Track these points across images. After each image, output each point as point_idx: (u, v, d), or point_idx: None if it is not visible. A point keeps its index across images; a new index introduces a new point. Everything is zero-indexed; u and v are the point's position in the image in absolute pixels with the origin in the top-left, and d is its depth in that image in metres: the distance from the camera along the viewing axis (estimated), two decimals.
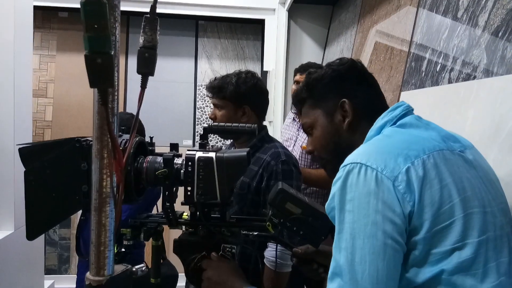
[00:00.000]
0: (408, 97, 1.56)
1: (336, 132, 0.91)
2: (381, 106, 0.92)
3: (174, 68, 3.63)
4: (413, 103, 0.92)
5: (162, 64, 3.51)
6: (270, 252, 1.40)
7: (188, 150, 0.96)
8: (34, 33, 3.53)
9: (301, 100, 0.98)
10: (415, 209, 0.66)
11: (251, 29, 3.70)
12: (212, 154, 0.94)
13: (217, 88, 1.53)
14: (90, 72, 0.43)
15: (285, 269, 1.40)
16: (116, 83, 0.52)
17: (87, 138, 0.95)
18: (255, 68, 3.70)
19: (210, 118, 1.58)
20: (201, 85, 3.66)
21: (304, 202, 0.96)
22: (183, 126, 3.65)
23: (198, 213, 0.98)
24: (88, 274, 0.52)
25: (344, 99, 0.90)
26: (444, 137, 0.78)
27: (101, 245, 0.51)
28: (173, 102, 3.65)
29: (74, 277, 2.11)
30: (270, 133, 3.33)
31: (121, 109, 3.61)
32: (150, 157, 1.03)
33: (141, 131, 2.25)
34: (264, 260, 1.40)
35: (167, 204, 0.96)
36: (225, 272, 0.95)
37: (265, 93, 1.59)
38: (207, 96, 1.61)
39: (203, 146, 0.98)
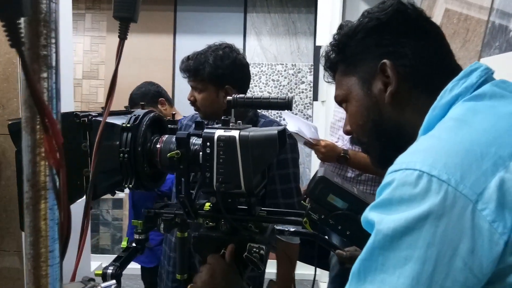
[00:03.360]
0: (491, 64, 1.24)
1: (375, 107, 0.66)
2: (447, 69, 0.63)
3: None
4: (499, 73, 0.65)
5: (208, 41, 3.36)
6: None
7: (207, 128, 0.79)
8: (85, 14, 3.57)
9: (332, 66, 0.73)
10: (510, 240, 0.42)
11: (303, 1, 3.42)
12: (234, 133, 0.75)
13: (194, 70, 1.34)
14: None
15: (295, 240, 1.32)
16: (42, 16, 0.34)
17: (90, 112, 0.81)
18: (307, 43, 3.44)
19: (189, 100, 1.40)
20: (250, 64, 3.47)
21: (351, 194, 0.75)
22: None
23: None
24: None
25: (385, 60, 0.63)
26: None
27: (37, 258, 0.35)
28: None
29: None
30: (323, 114, 3.09)
31: (169, 90, 3.55)
32: (166, 136, 0.87)
33: (168, 101, 2.12)
34: None
35: (182, 193, 0.80)
36: (218, 277, 0.77)
37: (246, 67, 1.40)
38: (183, 77, 1.41)
39: (226, 123, 0.79)
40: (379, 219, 0.46)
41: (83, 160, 0.77)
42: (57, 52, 0.36)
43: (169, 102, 2.16)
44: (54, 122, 0.34)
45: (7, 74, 2.01)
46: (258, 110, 1.42)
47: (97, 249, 3.63)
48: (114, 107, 0.83)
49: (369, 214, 0.49)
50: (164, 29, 3.51)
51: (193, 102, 1.38)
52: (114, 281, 0.62)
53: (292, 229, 0.87)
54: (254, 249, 0.79)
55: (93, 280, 0.52)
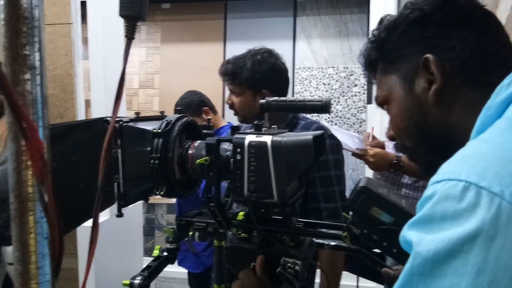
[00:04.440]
0: None
1: (418, 108, 0.58)
2: (504, 62, 0.55)
3: None
4: None
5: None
6: None
7: (237, 133, 0.74)
8: (140, 26, 3.72)
9: (371, 64, 0.66)
10: None
11: (355, 2, 3.29)
12: (266, 138, 0.70)
13: (231, 74, 1.34)
14: None
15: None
16: (23, 13, 0.31)
17: (121, 118, 0.80)
18: (360, 44, 3.30)
19: (227, 103, 1.42)
20: (300, 68, 3.40)
21: (398, 207, 0.66)
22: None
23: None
24: None
25: (428, 55, 0.56)
26: None
27: (26, 275, 0.32)
28: None
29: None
30: (378, 118, 2.93)
31: (219, 98, 3.58)
32: (198, 142, 0.83)
33: (212, 109, 2.11)
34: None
35: (212, 202, 0.75)
36: None
37: (284, 72, 1.39)
38: (222, 80, 1.43)
39: (258, 128, 0.74)
40: (418, 239, 0.38)
41: (113, 166, 0.76)
42: (41, 52, 0.33)
43: (213, 110, 2.16)
44: (33, 128, 0.31)
45: (64, 84, 2.13)
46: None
47: (152, 253, 3.73)
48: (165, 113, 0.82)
49: (407, 233, 0.41)
50: (214, 37, 3.55)
51: (231, 106, 1.38)
52: None
53: (333, 243, 0.79)
54: (289, 265, 0.72)
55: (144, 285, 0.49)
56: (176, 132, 0.82)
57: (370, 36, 0.65)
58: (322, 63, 3.38)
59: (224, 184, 1.03)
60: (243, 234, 0.78)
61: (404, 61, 0.60)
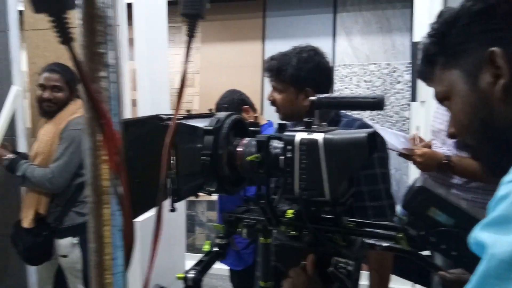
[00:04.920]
0: None
1: (483, 104, 0.55)
2: None
3: None
4: None
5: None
6: None
7: (288, 130, 0.74)
8: (181, 27, 3.80)
9: (430, 59, 0.64)
10: None
11: None
12: (318, 136, 0.69)
13: (276, 71, 1.32)
14: None
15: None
16: (97, 12, 0.32)
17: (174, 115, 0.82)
18: (403, 40, 3.20)
19: (268, 100, 1.40)
20: (340, 65, 3.35)
21: (458, 208, 0.63)
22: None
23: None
24: None
25: (494, 48, 0.53)
26: None
27: (101, 266, 0.33)
28: None
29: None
30: (423, 116, 2.83)
31: (258, 96, 3.59)
32: (247, 139, 0.84)
33: (252, 108, 2.12)
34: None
35: (263, 199, 0.75)
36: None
37: (329, 71, 1.36)
38: (265, 76, 1.41)
39: (309, 125, 0.73)
40: (493, 240, 0.36)
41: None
42: (115, 50, 0.34)
43: (253, 109, 2.17)
44: (110, 123, 0.32)
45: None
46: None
47: (193, 249, 3.81)
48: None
49: (479, 234, 0.39)
50: (253, 36, 3.56)
51: (273, 102, 1.37)
52: None
53: (385, 244, 0.77)
54: (341, 264, 0.71)
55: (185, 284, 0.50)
56: (226, 129, 0.82)
57: (429, 30, 0.63)
58: (363, 60, 3.31)
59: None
60: (293, 232, 0.77)
61: (466, 55, 0.57)
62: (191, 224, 3.81)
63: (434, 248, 0.66)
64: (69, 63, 2.07)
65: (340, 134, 0.70)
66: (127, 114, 2.22)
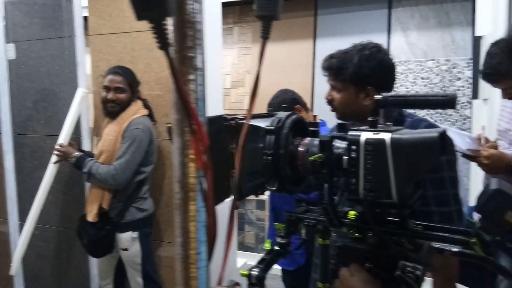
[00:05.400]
0: None
1: None
2: None
3: None
4: None
5: (351, 42, 3.27)
6: None
7: (352, 130, 0.72)
8: (233, 28, 3.86)
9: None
10: None
11: None
12: (385, 135, 0.67)
13: (336, 69, 1.26)
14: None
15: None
16: (188, 17, 0.34)
17: (237, 115, 0.83)
18: (464, 35, 3.03)
19: (326, 99, 1.33)
20: (395, 62, 3.23)
21: None
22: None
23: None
24: None
25: None
26: None
27: (187, 260, 0.35)
28: None
29: None
30: (485, 114, 2.67)
31: (308, 95, 3.56)
32: (308, 139, 0.84)
33: (304, 107, 2.10)
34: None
35: (325, 199, 0.75)
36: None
37: (392, 69, 1.28)
38: (324, 75, 1.34)
39: (374, 125, 0.72)
40: None
41: (230, 161, 0.80)
42: (203, 54, 0.36)
43: (305, 108, 2.15)
44: (200, 124, 0.34)
45: (169, 86, 2.29)
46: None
47: (242, 247, 3.86)
48: (256, 112, 0.85)
49: None
50: (304, 35, 3.54)
51: (330, 102, 1.33)
52: None
53: (454, 249, 0.74)
54: (408, 268, 0.69)
55: (238, 284, 0.52)
56: (287, 129, 0.83)
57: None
58: (420, 56, 3.18)
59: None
60: (356, 234, 0.76)
61: None
62: (241, 222, 3.86)
63: (510, 254, 0.62)
64: (130, 66, 2.17)
65: (408, 133, 0.67)
66: None
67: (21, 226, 2.69)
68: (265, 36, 0.45)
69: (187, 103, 0.32)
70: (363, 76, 1.23)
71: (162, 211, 2.37)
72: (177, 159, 0.35)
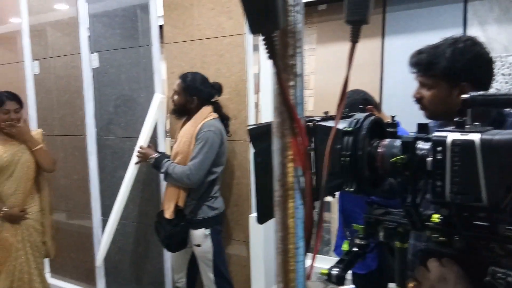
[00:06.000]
0: None
1: None
2: None
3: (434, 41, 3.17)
4: None
5: (422, 39, 3.13)
6: None
7: (437, 130, 0.70)
8: None
9: None
10: None
11: None
12: (474, 136, 0.65)
13: (425, 65, 1.18)
14: (249, 14, 0.30)
15: None
16: (290, 27, 0.36)
17: (314, 117, 0.85)
18: None
19: (414, 97, 1.25)
20: None
21: None
22: None
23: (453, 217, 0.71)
24: None
25: None
26: None
27: (286, 253, 0.37)
28: None
29: (333, 259, 2.13)
30: None
31: (377, 94, 3.46)
32: (388, 140, 0.82)
33: (376, 107, 2.04)
34: None
35: (408, 201, 0.74)
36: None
37: (489, 63, 1.17)
38: (411, 72, 1.25)
39: (461, 125, 0.69)
40: None
41: (308, 163, 0.81)
42: (302, 61, 0.38)
43: (377, 108, 2.09)
44: (302, 127, 0.36)
45: (238, 89, 2.36)
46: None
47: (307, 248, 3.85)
48: (320, 113, 0.86)
49: None
50: (371, 33, 3.45)
51: (419, 100, 1.25)
52: (353, 286, 0.63)
53: None
54: (499, 275, 0.66)
55: (329, 280, 0.53)
56: (365, 130, 0.82)
57: None
58: (501, 51, 2.95)
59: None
60: (441, 238, 0.74)
61: None
62: None
63: None
64: (201, 71, 2.27)
65: (499, 134, 0.64)
66: (251, 116, 2.36)
67: (103, 221, 2.93)
68: (354, 40, 0.46)
69: (291, 107, 0.35)
70: (456, 71, 1.15)
71: (231, 210, 2.45)
72: (277, 160, 0.38)
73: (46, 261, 2.72)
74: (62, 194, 3.11)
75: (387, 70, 3.34)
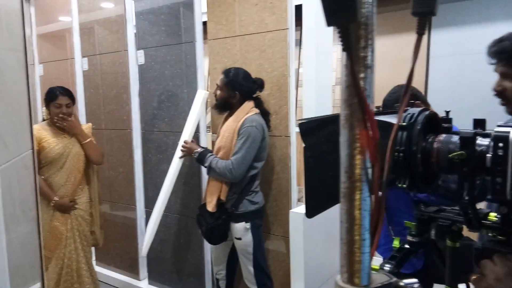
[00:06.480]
0: None
1: None
2: None
3: (485, 36, 3.02)
4: None
5: (470, 33, 2.98)
6: None
7: (498, 125, 0.68)
8: None
9: None
10: None
11: None
12: None
13: (509, 53, 1.09)
14: (327, 6, 0.30)
15: None
16: (363, 20, 0.36)
17: None
18: None
19: (495, 91, 1.15)
20: None
21: None
22: (496, 107, 2.99)
23: None
24: (337, 279, 0.40)
25: None
26: None
27: (352, 244, 0.38)
28: (481, 77, 3.05)
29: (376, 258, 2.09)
30: None
31: (421, 89, 3.35)
32: (444, 135, 0.80)
33: (424, 103, 1.97)
34: None
35: (466, 198, 0.72)
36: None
37: None
38: (490, 63, 1.15)
39: None
40: None
41: (378, 156, 0.80)
42: (373, 53, 0.38)
43: (425, 104, 2.03)
44: (374, 120, 0.36)
45: (279, 84, 2.36)
46: None
47: None
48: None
49: None
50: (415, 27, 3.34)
51: (501, 93, 1.15)
52: (416, 280, 0.63)
53: None
54: None
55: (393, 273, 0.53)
56: (420, 125, 0.81)
57: None
58: None
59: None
60: (500, 237, 0.71)
61: None
62: None
63: None
64: (243, 67, 2.29)
65: None
66: (292, 112, 2.35)
67: (146, 213, 3.04)
68: (421, 32, 0.45)
69: (363, 99, 0.35)
70: None
71: (270, 205, 2.47)
72: (345, 151, 0.38)
73: (93, 250, 2.86)
74: (107, 185, 3.25)
75: (433, 66, 3.22)
